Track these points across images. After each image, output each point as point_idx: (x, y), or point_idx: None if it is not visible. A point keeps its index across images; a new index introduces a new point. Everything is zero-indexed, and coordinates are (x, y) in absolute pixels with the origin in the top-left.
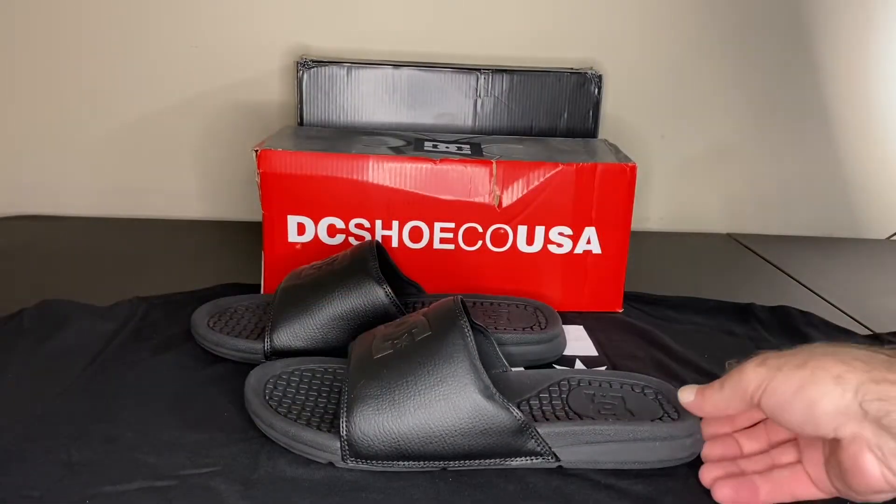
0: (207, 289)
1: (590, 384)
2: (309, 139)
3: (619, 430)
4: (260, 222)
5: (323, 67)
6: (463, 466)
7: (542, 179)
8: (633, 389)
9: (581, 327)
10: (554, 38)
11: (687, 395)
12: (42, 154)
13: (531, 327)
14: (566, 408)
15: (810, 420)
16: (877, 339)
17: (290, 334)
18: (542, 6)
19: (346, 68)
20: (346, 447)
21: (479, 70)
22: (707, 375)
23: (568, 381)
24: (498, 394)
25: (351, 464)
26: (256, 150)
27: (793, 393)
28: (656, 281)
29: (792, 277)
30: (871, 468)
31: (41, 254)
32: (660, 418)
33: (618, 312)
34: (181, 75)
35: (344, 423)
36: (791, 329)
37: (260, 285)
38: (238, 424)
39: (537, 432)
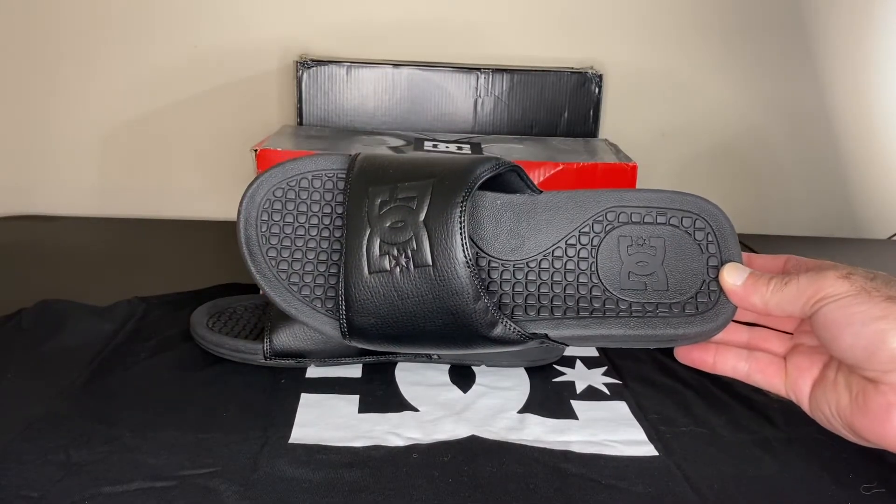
0: (207, 289)
1: (632, 219)
2: (308, 139)
3: (631, 335)
4: None
5: (323, 67)
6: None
7: (542, 179)
8: (681, 225)
9: None
10: (554, 38)
11: (734, 278)
12: (42, 154)
13: None
14: (592, 269)
15: (870, 349)
16: None
17: (290, 335)
18: (543, 6)
19: (345, 68)
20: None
21: (479, 70)
22: (707, 375)
23: (606, 217)
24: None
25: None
26: (256, 150)
27: (871, 319)
28: None
29: None
30: None
31: (41, 254)
32: (694, 296)
33: None
34: (181, 75)
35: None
36: None
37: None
38: (237, 425)
39: (548, 338)
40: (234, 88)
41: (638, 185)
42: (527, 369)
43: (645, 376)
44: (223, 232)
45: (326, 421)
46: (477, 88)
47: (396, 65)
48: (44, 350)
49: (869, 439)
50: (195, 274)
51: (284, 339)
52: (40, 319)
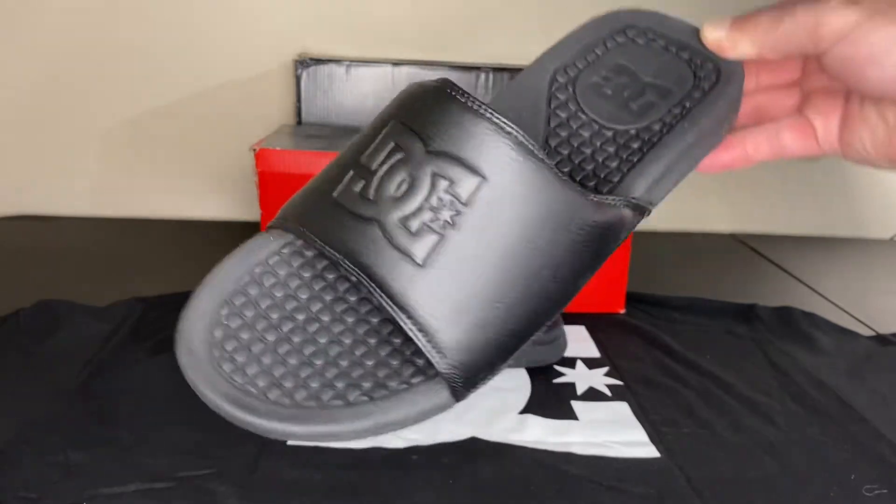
0: None
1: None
2: (307, 138)
3: (687, 143)
4: (258, 222)
5: (322, 66)
6: None
7: None
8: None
9: (583, 328)
10: (554, 38)
11: (715, 32)
12: (42, 154)
13: None
14: (574, 102)
15: None
16: (881, 340)
17: None
18: (543, 5)
19: (345, 66)
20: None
21: (479, 69)
22: (709, 377)
23: (605, 46)
24: None
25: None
26: (254, 149)
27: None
28: (658, 281)
29: (795, 278)
30: None
31: (40, 254)
32: (694, 86)
33: (620, 313)
34: (180, 74)
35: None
36: (794, 330)
37: None
38: (236, 426)
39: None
40: (233, 87)
41: None
42: (528, 370)
43: (646, 377)
44: (222, 232)
45: None
46: (477, 88)
47: (396, 64)
48: (42, 350)
49: None
50: (194, 274)
51: None
52: (38, 320)
